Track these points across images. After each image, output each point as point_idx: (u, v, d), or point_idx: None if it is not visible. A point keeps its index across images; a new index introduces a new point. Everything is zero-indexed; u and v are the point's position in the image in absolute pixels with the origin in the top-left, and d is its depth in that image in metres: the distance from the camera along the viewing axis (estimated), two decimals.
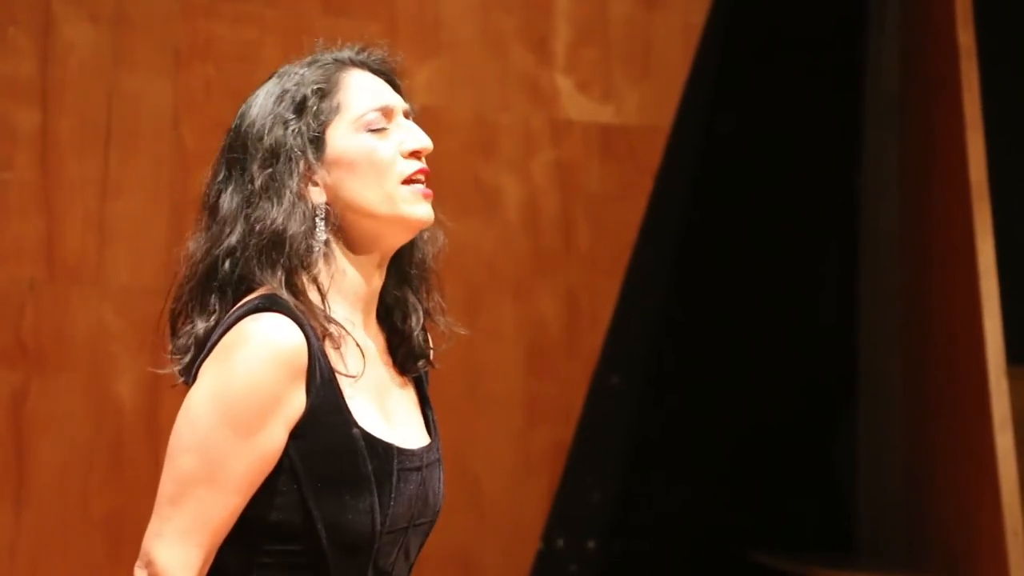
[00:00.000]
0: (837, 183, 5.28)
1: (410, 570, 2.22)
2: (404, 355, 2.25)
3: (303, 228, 2.10)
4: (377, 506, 2.08)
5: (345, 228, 2.15)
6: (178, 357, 2.14)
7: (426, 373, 2.31)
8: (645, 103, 5.02)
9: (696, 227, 5.13)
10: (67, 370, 4.33)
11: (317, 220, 2.12)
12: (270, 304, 2.06)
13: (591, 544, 4.97)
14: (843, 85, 5.28)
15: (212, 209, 2.15)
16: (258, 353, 2.02)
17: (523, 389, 4.87)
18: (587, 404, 4.95)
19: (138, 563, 2.04)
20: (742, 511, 5.13)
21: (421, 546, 2.22)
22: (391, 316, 2.25)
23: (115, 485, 4.36)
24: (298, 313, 2.06)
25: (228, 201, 2.13)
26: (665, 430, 5.07)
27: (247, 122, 2.16)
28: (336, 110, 2.15)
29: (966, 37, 4.70)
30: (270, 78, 2.21)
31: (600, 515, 4.99)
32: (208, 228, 2.15)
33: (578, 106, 4.95)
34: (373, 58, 2.23)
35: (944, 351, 4.83)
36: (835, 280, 5.29)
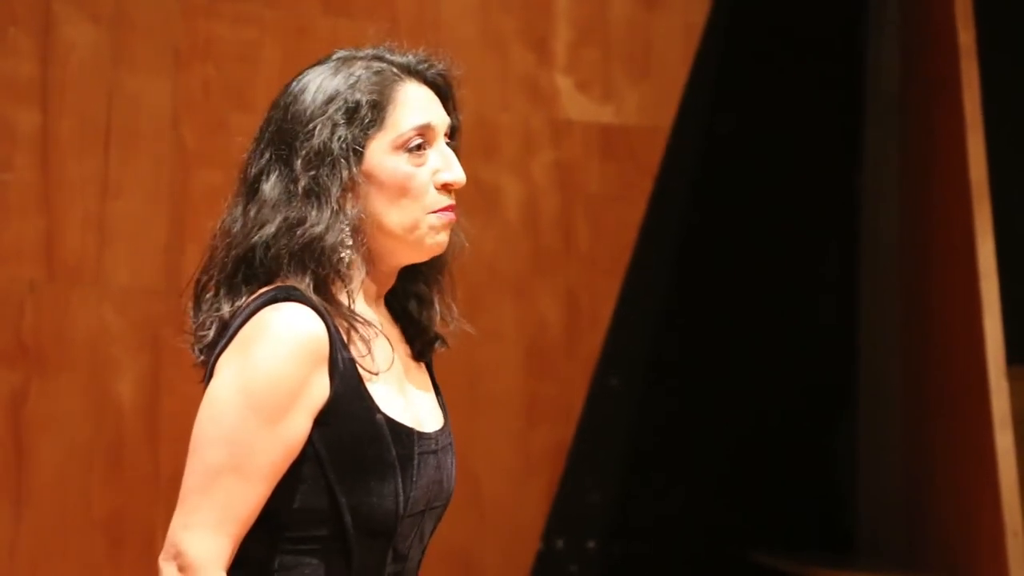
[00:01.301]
0: (837, 183, 5.28)
1: (423, 553, 2.25)
2: (423, 344, 2.28)
3: (339, 238, 2.12)
4: (400, 490, 2.10)
5: (367, 238, 2.16)
6: (201, 334, 2.14)
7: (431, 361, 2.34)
8: (645, 103, 5.02)
9: (696, 227, 5.13)
10: (67, 370, 4.33)
11: (347, 228, 2.13)
12: (287, 294, 2.08)
13: (591, 544, 4.97)
14: (843, 85, 5.28)
15: (252, 188, 2.15)
16: (280, 342, 2.04)
17: (523, 389, 4.87)
18: (587, 405, 4.95)
19: (163, 556, 2.04)
20: (742, 511, 5.13)
21: (433, 530, 2.25)
22: (405, 306, 2.28)
23: (115, 485, 4.36)
24: (315, 302, 2.08)
25: (271, 188, 2.13)
26: (665, 431, 5.07)
27: (297, 110, 2.15)
28: (381, 124, 2.15)
29: (966, 37, 4.70)
30: (326, 61, 2.20)
31: (600, 516, 4.99)
32: (246, 206, 2.15)
33: (578, 106, 4.95)
34: (434, 71, 2.23)
35: (944, 351, 4.83)
36: (835, 280, 5.29)
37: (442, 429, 2.23)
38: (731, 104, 5.15)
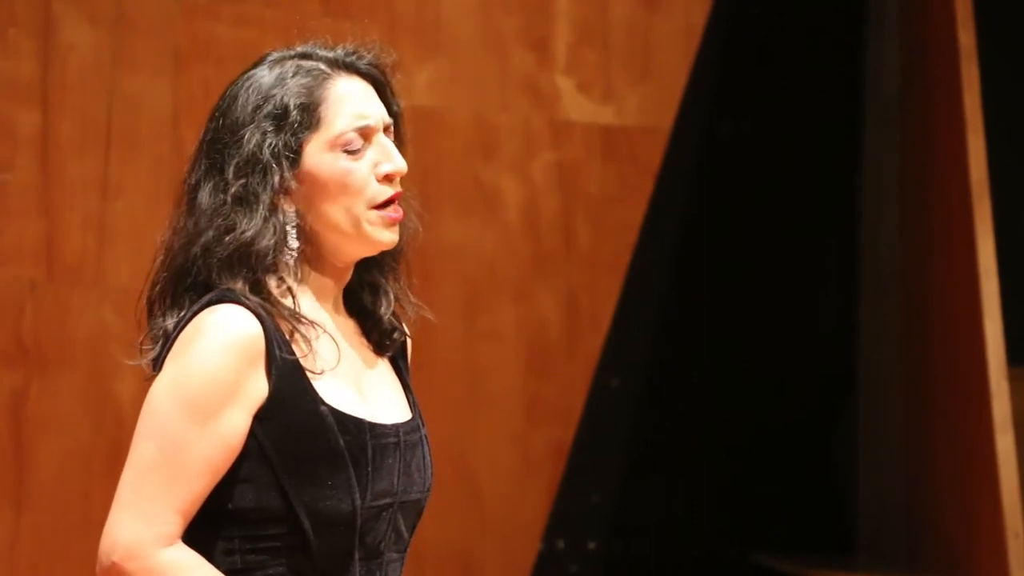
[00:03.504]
0: (837, 184, 5.28)
1: (406, 549, 2.23)
2: (380, 335, 2.26)
3: (273, 241, 2.12)
4: (355, 480, 2.10)
5: (313, 237, 2.17)
6: (148, 348, 2.18)
7: (403, 354, 2.31)
8: (646, 104, 5.02)
9: (696, 228, 5.12)
10: (67, 370, 4.33)
11: (288, 229, 2.14)
12: (222, 296, 2.10)
13: (591, 545, 4.97)
14: (843, 86, 5.28)
15: (191, 200, 2.18)
16: (214, 342, 2.06)
17: (523, 390, 4.87)
18: (587, 405, 4.95)
19: (98, 566, 2.05)
20: (742, 512, 5.13)
21: (415, 525, 2.23)
22: (361, 299, 2.26)
23: (115, 485, 4.35)
24: (252, 302, 2.09)
25: (206, 198, 2.16)
26: (665, 431, 5.07)
27: (229, 119, 2.17)
28: (315, 125, 2.15)
29: (966, 37, 4.70)
30: (260, 64, 2.22)
31: (600, 516, 4.98)
32: (186, 218, 2.17)
33: (578, 107, 4.95)
34: (364, 62, 2.23)
35: (944, 352, 4.83)
36: (835, 280, 5.29)
37: (408, 422, 2.22)
38: (731, 105, 5.15)
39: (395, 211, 2.18)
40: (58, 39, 4.37)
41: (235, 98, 2.19)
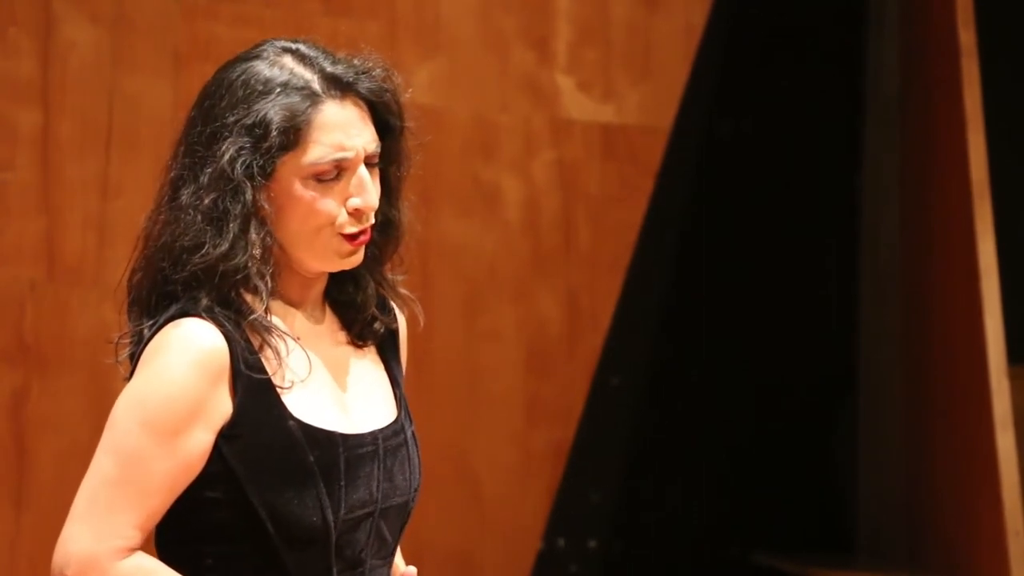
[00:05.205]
0: (837, 184, 5.28)
1: (393, 552, 2.20)
2: (361, 327, 2.22)
3: (243, 260, 2.07)
4: (325, 496, 2.07)
5: (281, 252, 2.13)
6: (124, 343, 2.14)
7: (393, 346, 2.27)
8: (646, 103, 5.02)
9: (697, 228, 5.13)
10: (67, 370, 4.33)
11: (258, 246, 2.08)
12: (187, 310, 2.06)
13: (591, 544, 4.97)
14: (843, 85, 5.28)
15: (174, 188, 2.12)
16: (177, 357, 2.03)
17: (523, 389, 4.87)
18: (587, 405, 4.95)
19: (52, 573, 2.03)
20: (742, 512, 5.13)
21: (402, 528, 2.20)
22: (342, 291, 2.22)
23: None
24: (217, 316, 2.06)
25: (185, 198, 2.10)
26: (665, 431, 5.07)
27: (214, 115, 2.10)
28: (293, 147, 2.08)
29: (966, 37, 4.70)
30: (259, 56, 2.13)
31: (600, 515, 4.98)
32: (169, 209, 2.12)
33: (579, 106, 4.95)
34: (364, 86, 2.14)
35: (944, 351, 4.83)
36: (835, 280, 5.29)
37: (389, 426, 2.18)
38: (731, 104, 5.15)
39: (359, 239, 2.14)
40: (58, 38, 4.37)
41: (227, 87, 2.10)
